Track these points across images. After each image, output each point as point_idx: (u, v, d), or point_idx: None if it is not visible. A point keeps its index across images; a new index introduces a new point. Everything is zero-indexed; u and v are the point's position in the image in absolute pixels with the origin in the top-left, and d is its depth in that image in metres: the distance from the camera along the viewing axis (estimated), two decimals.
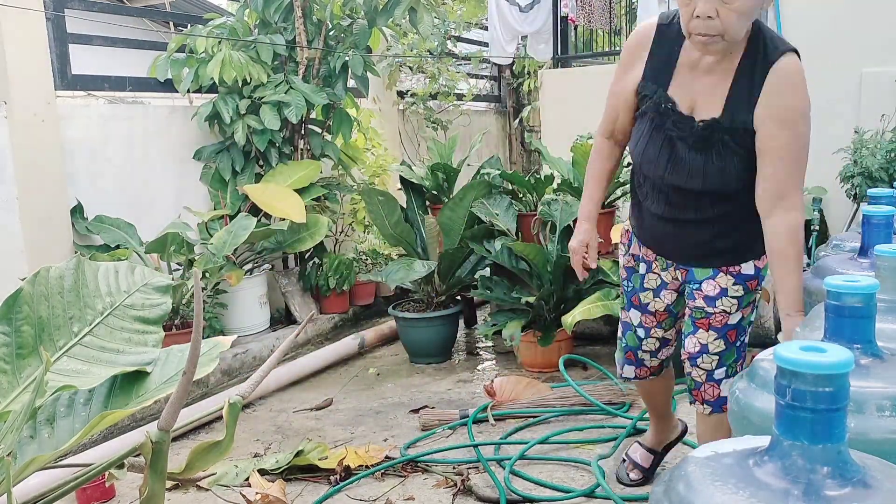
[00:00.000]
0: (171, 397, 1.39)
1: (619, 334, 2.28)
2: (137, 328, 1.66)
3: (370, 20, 4.52)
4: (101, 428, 1.42)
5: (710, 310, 1.98)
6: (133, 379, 1.60)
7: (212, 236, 4.00)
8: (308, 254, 4.67)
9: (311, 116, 4.60)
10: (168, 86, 4.30)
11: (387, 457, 2.85)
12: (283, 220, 4.08)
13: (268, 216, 4.21)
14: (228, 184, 4.34)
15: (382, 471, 2.76)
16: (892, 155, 3.71)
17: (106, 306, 1.66)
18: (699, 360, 2.01)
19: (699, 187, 1.86)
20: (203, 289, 3.83)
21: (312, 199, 4.40)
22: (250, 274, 4.24)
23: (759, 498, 0.77)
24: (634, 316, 2.19)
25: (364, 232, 5.13)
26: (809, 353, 0.77)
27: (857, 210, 3.85)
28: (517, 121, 7.44)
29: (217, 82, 4.10)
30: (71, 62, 3.84)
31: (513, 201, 4.10)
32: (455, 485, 2.63)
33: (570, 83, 5.31)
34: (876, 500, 0.76)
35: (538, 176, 4.11)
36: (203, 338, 1.41)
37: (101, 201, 3.85)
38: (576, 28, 5.62)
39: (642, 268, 2.12)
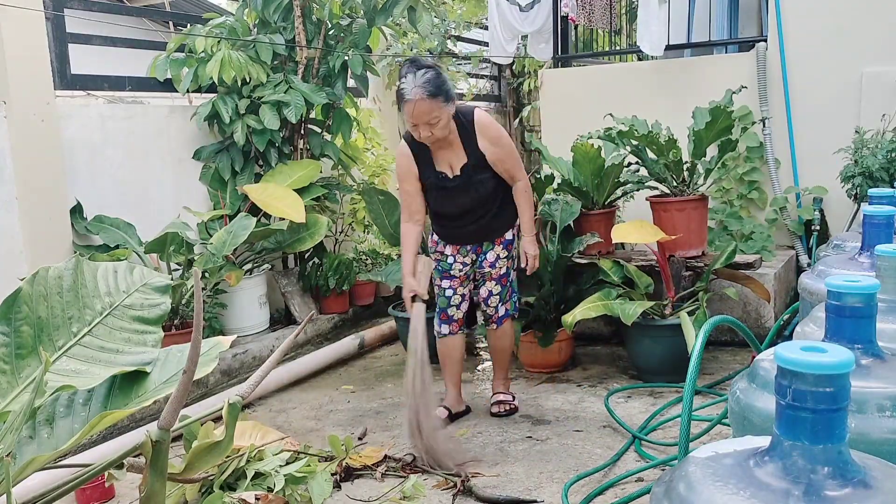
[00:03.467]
0: (171, 396, 1.39)
1: (437, 304, 3.31)
2: (137, 328, 1.66)
3: (369, 19, 4.52)
4: (101, 428, 1.42)
5: (492, 270, 3.22)
6: (132, 379, 1.59)
7: (211, 236, 4.00)
8: (308, 254, 4.67)
9: (310, 116, 4.60)
10: (167, 85, 4.30)
11: (386, 456, 2.85)
12: (283, 220, 4.08)
13: (267, 216, 4.20)
14: (228, 184, 4.34)
15: (383, 471, 2.75)
16: (893, 155, 3.71)
17: (105, 306, 1.66)
18: (490, 300, 3.26)
19: (479, 201, 3.11)
20: (203, 289, 3.82)
21: (312, 199, 4.39)
22: (250, 274, 4.24)
23: (759, 498, 0.77)
24: (446, 284, 3.26)
25: (364, 232, 5.13)
26: (810, 353, 0.77)
27: (857, 210, 3.85)
28: (517, 121, 7.44)
29: (216, 82, 4.10)
30: (70, 62, 3.83)
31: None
32: (455, 485, 2.62)
33: (570, 83, 5.31)
34: (876, 501, 0.76)
35: (538, 176, 4.10)
36: (203, 338, 1.41)
37: (101, 201, 3.85)
38: (576, 28, 5.62)
39: (450, 259, 3.23)
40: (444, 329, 3.28)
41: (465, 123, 3.04)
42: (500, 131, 3.12)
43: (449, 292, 3.25)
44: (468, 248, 3.21)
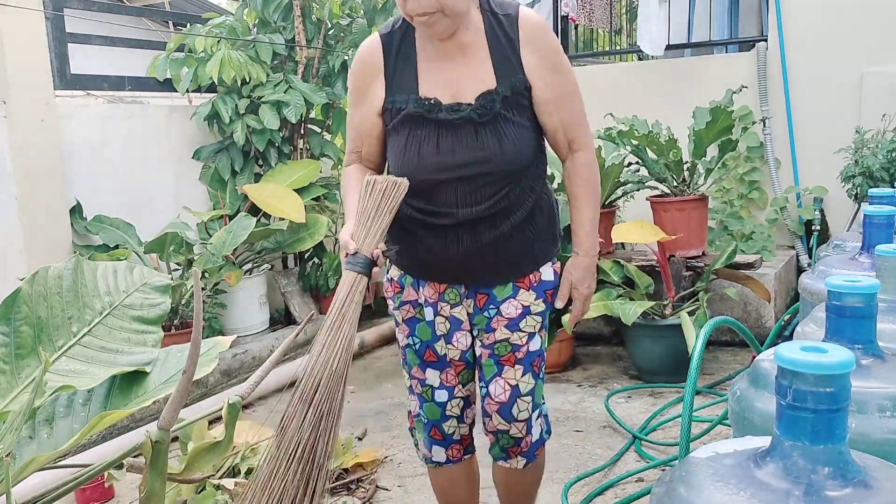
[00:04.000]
0: (171, 396, 1.38)
1: (414, 410, 1.87)
2: (136, 328, 1.66)
3: (369, 19, 4.52)
4: (101, 428, 1.42)
5: (514, 339, 1.71)
6: (132, 379, 1.59)
7: (211, 236, 4.00)
8: (308, 254, 4.67)
9: (310, 116, 4.60)
10: (167, 85, 4.30)
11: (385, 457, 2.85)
12: (283, 219, 4.08)
13: (267, 216, 4.20)
14: (228, 183, 4.34)
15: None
16: (894, 155, 3.70)
17: (105, 306, 1.66)
18: (514, 409, 1.72)
19: (491, 167, 1.64)
20: (202, 289, 3.82)
21: (312, 199, 4.39)
22: (250, 274, 4.24)
23: (759, 498, 0.76)
24: (432, 376, 1.79)
25: None
26: (810, 353, 0.77)
27: (858, 210, 3.85)
28: None
29: (216, 82, 4.10)
30: (70, 62, 3.83)
31: None
32: None
33: None
34: (876, 501, 0.76)
35: None
36: (203, 338, 1.41)
37: (101, 201, 3.85)
38: (576, 27, 5.62)
39: (428, 313, 1.77)
40: (439, 455, 1.85)
41: (500, 19, 1.68)
42: (561, 49, 1.75)
43: (441, 395, 1.80)
44: (461, 290, 1.74)
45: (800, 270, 4.44)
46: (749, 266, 3.79)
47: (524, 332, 1.72)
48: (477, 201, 1.65)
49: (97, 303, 1.66)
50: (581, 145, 1.75)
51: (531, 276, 1.75)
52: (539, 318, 1.74)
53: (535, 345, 1.74)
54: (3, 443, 1.36)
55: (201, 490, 2.45)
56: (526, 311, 1.72)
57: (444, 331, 1.77)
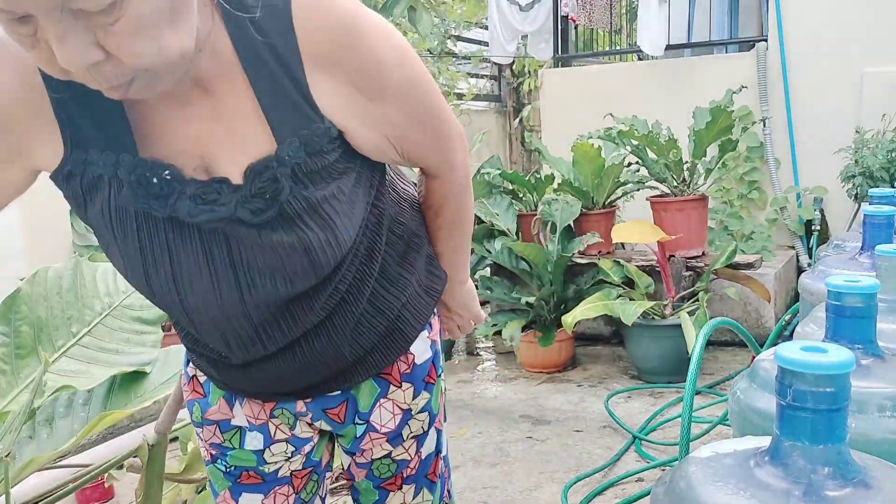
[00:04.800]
0: (168, 399, 1.39)
1: None
2: (136, 328, 1.66)
3: None
4: (100, 428, 1.42)
5: (398, 454, 1.14)
6: (132, 379, 1.60)
7: None
8: None
9: None
10: None
11: None
12: None
13: None
14: None
15: None
16: (893, 155, 3.71)
17: (104, 307, 1.66)
18: None
19: (296, 285, 0.93)
20: None
21: None
22: None
23: (759, 498, 0.76)
24: None
25: None
26: (810, 353, 0.77)
27: (858, 210, 3.85)
28: (517, 121, 7.44)
29: None
30: None
31: (513, 201, 4.10)
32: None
33: (570, 83, 5.31)
34: (876, 501, 0.76)
35: (538, 176, 4.10)
36: None
37: None
38: (576, 27, 5.62)
39: (252, 440, 1.09)
40: None
41: (257, 24, 0.82)
42: (376, 30, 0.87)
43: None
44: (294, 409, 1.08)
45: (800, 270, 4.45)
46: (749, 266, 3.79)
47: (411, 439, 1.15)
48: (288, 327, 0.97)
49: (97, 303, 1.66)
50: (446, 159, 1.04)
51: (400, 361, 1.11)
52: (426, 413, 1.15)
53: (429, 445, 1.18)
54: (3, 443, 1.36)
55: (201, 490, 2.44)
56: (407, 416, 1.13)
57: (282, 455, 1.11)
